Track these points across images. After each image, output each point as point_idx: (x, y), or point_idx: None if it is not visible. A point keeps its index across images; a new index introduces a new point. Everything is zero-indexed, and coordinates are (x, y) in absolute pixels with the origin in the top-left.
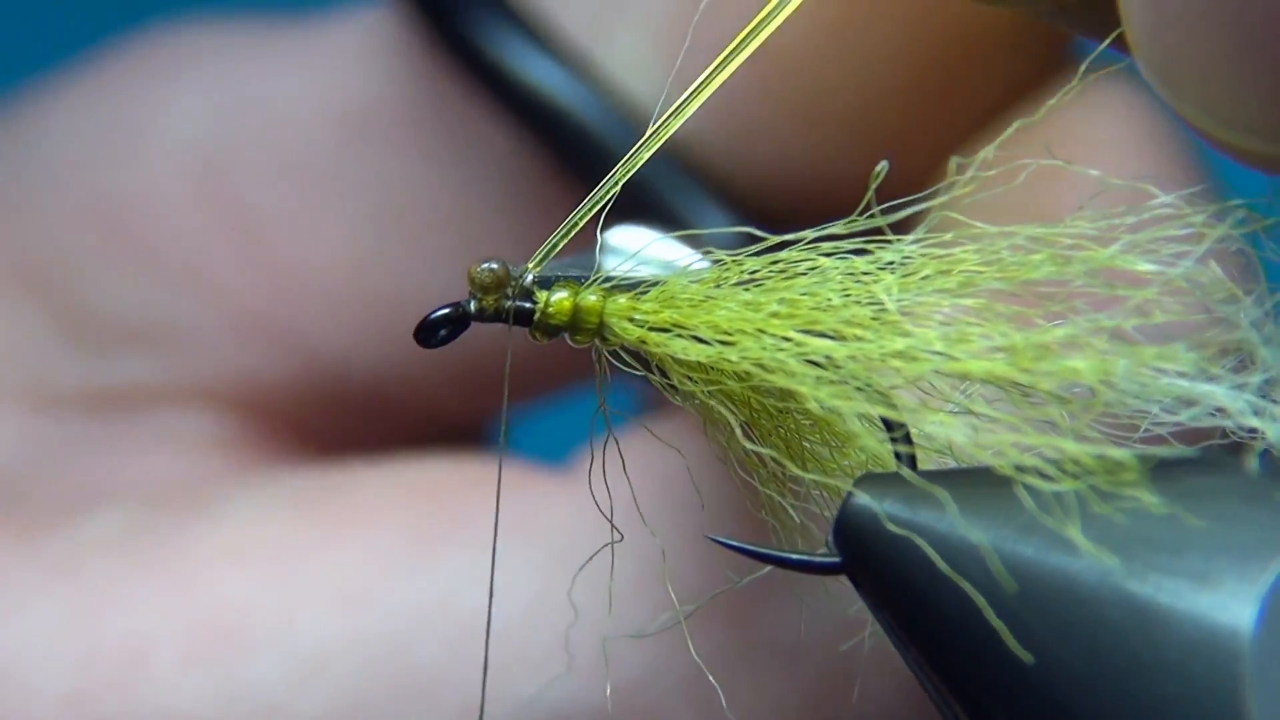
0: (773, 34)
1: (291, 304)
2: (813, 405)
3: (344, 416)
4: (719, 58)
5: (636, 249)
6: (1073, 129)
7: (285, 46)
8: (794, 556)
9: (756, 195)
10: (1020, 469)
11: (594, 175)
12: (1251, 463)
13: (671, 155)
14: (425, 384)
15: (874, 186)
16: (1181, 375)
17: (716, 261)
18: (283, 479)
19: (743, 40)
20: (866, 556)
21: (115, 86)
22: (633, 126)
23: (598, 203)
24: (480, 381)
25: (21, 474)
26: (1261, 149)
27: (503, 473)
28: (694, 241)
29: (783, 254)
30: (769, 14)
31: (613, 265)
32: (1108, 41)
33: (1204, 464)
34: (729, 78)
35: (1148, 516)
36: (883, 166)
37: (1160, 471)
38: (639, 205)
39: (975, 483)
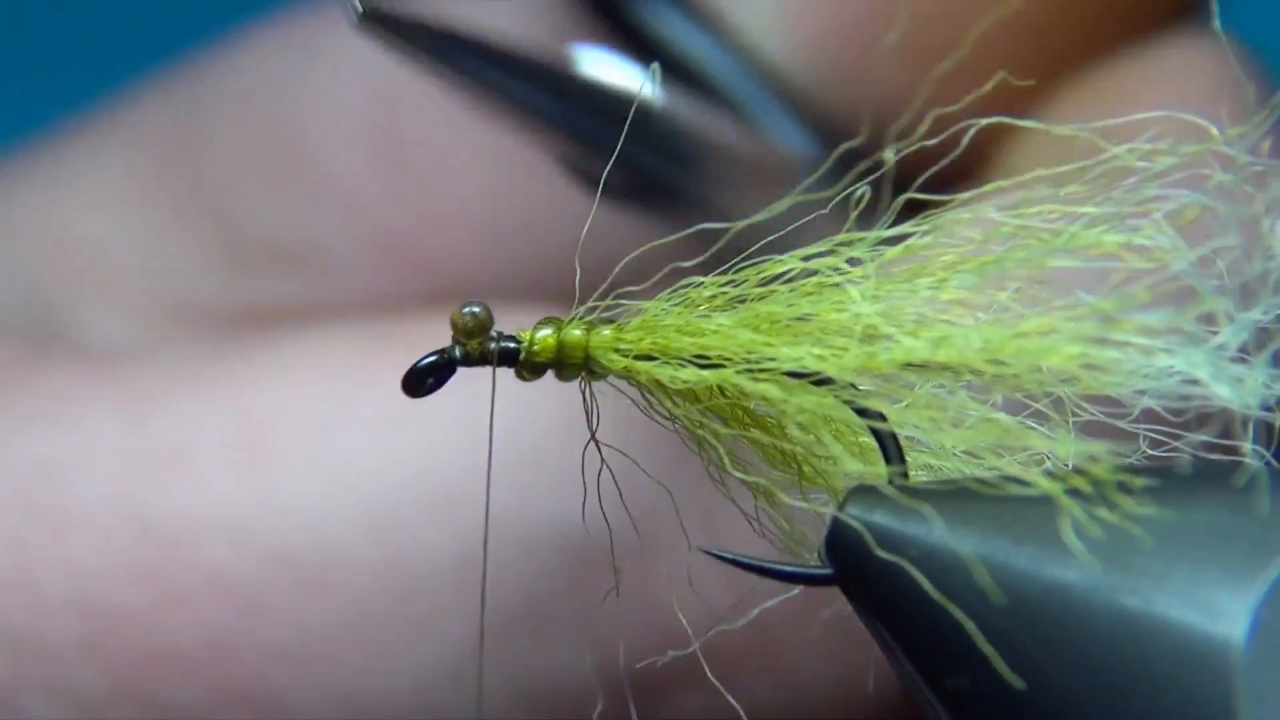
0: None
1: (434, 233)
2: (789, 415)
3: None
4: None
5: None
6: (1144, 82)
7: None
8: (787, 569)
9: (834, 110)
10: (1003, 475)
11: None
12: (1243, 479)
13: (754, 66)
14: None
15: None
16: (1151, 341)
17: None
18: (353, 321)
19: None
20: (858, 569)
21: (301, 30)
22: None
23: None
24: None
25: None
26: None
27: None
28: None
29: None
30: None
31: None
32: None
33: (1193, 478)
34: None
35: (1138, 531)
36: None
37: (1149, 486)
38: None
39: (968, 493)
